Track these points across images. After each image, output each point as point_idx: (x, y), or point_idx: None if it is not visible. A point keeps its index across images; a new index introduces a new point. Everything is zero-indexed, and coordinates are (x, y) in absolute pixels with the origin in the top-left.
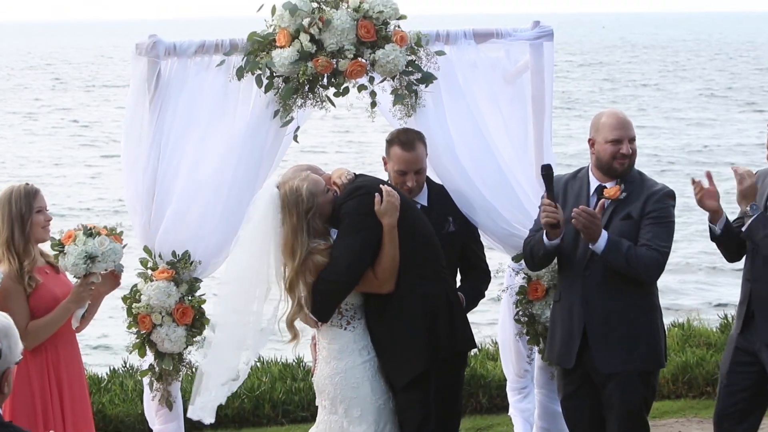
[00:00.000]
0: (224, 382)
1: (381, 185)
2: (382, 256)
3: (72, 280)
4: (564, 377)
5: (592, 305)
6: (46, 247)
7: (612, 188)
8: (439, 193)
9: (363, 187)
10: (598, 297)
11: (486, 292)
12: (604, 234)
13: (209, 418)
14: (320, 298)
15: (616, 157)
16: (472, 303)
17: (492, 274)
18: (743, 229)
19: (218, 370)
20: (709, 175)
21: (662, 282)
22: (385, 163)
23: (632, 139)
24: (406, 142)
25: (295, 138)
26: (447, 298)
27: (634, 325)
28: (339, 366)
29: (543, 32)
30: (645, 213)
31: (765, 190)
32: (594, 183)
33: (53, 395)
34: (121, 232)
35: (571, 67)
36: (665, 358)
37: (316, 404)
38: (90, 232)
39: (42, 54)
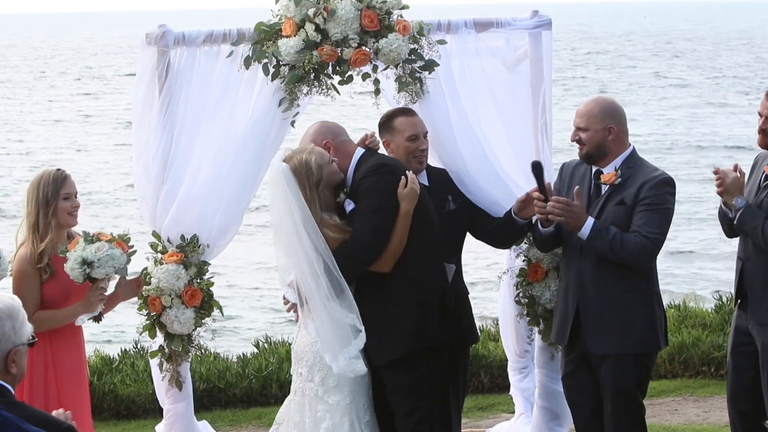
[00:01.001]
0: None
1: (406, 170)
2: (391, 237)
3: None
4: (565, 356)
5: (586, 288)
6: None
7: (608, 174)
8: (439, 173)
9: (387, 166)
10: (591, 280)
11: (487, 274)
12: (590, 221)
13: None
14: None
15: None
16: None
17: (492, 258)
18: (735, 222)
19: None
20: (736, 168)
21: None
22: (387, 146)
23: (581, 128)
24: (406, 110)
25: (292, 124)
26: (442, 289)
27: (627, 309)
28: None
29: (541, 21)
30: (639, 199)
31: (759, 175)
32: (594, 168)
33: (50, 378)
34: (128, 239)
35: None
36: (664, 342)
37: (291, 372)
38: (91, 239)
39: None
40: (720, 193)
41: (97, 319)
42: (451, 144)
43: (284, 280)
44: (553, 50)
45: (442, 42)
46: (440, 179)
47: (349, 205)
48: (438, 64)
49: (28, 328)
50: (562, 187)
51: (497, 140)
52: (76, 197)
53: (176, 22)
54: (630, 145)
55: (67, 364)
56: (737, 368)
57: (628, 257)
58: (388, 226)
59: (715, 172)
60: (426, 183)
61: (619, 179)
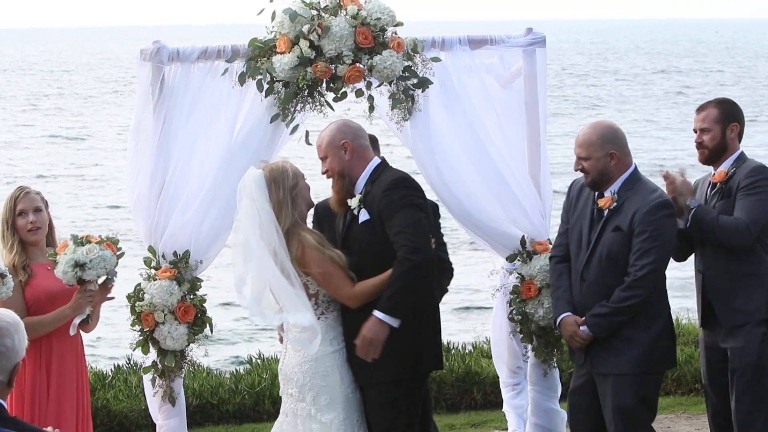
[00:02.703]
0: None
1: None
2: (376, 280)
3: None
4: (575, 371)
5: (589, 308)
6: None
7: (605, 198)
8: None
9: (411, 180)
10: (593, 300)
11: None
12: (584, 327)
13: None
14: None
15: None
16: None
17: (486, 275)
18: (688, 224)
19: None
20: (681, 172)
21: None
22: None
23: (582, 158)
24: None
25: (307, 141)
26: (434, 317)
27: (629, 328)
28: (309, 354)
29: (536, 39)
30: (634, 228)
31: (702, 194)
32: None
33: (42, 387)
34: (117, 241)
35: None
36: (671, 361)
37: (280, 394)
38: (80, 241)
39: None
40: (672, 197)
41: (86, 323)
42: (443, 159)
43: (239, 288)
44: (547, 67)
45: (436, 59)
46: None
47: (364, 216)
48: (431, 83)
49: (26, 342)
50: (570, 206)
51: (492, 157)
52: (35, 212)
53: (170, 37)
54: (631, 164)
55: (66, 375)
56: (715, 388)
57: (635, 304)
58: (427, 228)
59: (665, 176)
60: None
61: (615, 203)
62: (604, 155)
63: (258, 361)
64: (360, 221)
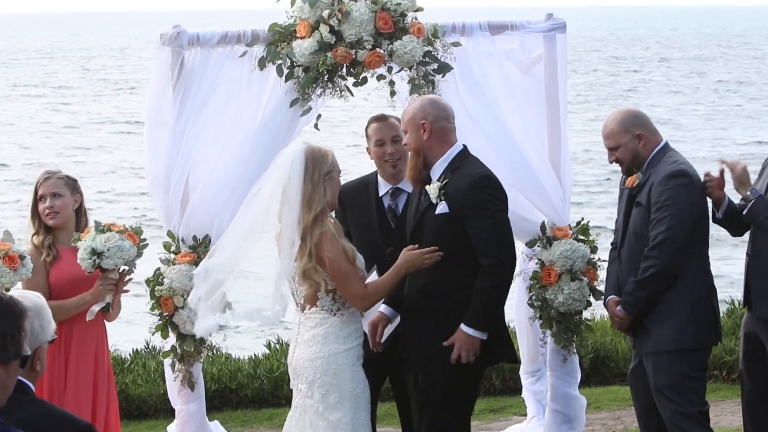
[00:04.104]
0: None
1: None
2: (388, 282)
3: None
4: (632, 351)
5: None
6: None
7: (631, 178)
8: None
9: (495, 179)
10: (628, 278)
11: None
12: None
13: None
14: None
15: None
16: None
17: None
18: (744, 212)
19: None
20: (721, 166)
21: None
22: (368, 152)
23: (612, 148)
24: (380, 117)
25: (316, 126)
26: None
27: (661, 305)
28: (321, 351)
29: (556, 25)
30: (652, 201)
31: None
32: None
33: (59, 371)
34: (141, 231)
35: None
36: (710, 338)
37: (291, 387)
38: (102, 229)
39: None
40: (735, 186)
41: (106, 311)
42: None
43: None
44: (567, 53)
45: (456, 44)
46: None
47: (443, 209)
48: (452, 68)
49: (53, 326)
50: (619, 196)
51: (512, 142)
52: (53, 197)
53: (189, 23)
54: (661, 140)
55: (84, 362)
56: (750, 376)
57: (651, 281)
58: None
59: (723, 163)
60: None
61: (638, 181)
62: (632, 138)
63: (277, 346)
64: (437, 212)
